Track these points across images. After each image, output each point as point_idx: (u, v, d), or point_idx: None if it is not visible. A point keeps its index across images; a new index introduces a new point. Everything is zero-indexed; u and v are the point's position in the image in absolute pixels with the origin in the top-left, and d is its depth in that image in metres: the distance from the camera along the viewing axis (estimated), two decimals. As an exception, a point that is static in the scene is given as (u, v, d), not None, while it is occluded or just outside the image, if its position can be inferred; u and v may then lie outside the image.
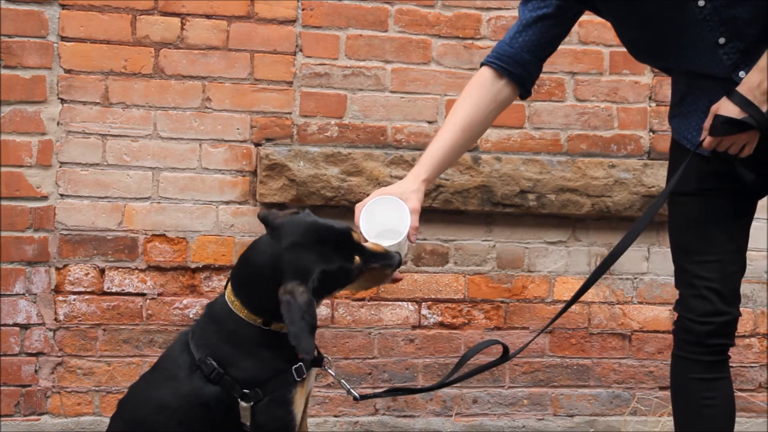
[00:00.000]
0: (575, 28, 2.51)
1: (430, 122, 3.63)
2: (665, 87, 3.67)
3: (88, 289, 3.42)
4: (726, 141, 2.21)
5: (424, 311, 3.65)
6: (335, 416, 3.60)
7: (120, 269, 3.44)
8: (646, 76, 3.74)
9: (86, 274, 3.42)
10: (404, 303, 3.63)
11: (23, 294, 3.38)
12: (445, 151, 2.35)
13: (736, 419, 2.50)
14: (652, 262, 3.77)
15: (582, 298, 3.48)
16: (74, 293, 3.41)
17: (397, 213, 2.21)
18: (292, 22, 3.53)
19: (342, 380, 2.30)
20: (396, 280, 2.22)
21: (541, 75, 2.47)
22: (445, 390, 3.60)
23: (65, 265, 3.41)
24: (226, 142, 3.50)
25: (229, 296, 2.11)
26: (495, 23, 3.65)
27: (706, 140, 2.23)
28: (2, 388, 3.37)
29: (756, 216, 2.46)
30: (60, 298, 3.41)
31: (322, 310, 3.55)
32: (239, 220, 3.51)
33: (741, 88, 2.17)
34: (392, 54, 3.60)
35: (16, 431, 3.39)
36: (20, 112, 3.35)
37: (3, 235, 3.35)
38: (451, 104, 3.57)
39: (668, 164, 2.50)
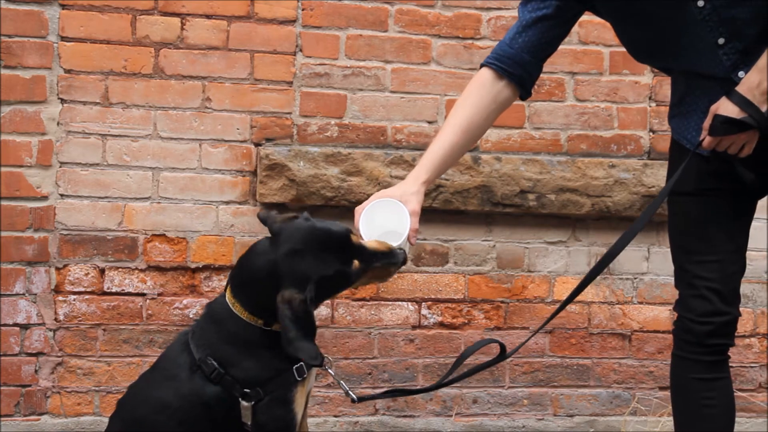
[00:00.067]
0: (575, 28, 2.51)
1: (430, 122, 3.63)
2: (665, 87, 3.67)
3: (88, 289, 3.42)
4: (725, 141, 2.21)
5: (424, 311, 3.65)
6: (335, 416, 3.60)
7: (120, 269, 3.44)
8: (646, 76, 3.74)
9: (86, 274, 3.42)
10: (404, 303, 3.63)
11: (23, 294, 3.38)
12: (445, 153, 2.34)
13: (736, 419, 2.50)
14: (652, 262, 3.77)
15: (582, 298, 3.50)
16: (74, 293, 3.41)
17: (396, 215, 2.21)
18: (292, 22, 3.53)
19: (341, 381, 2.30)
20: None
21: (541, 75, 2.47)
22: (445, 390, 3.60)
23: (65, 265, 3.41)
24: (226, 142, 3.50)
25: (230, 298, 2.12)
26: (495, 23, 3.65)
27: (706, 140, 2.23)
28: (2, 388, 3.37)
29: (756, 216, 2.46)
30: (60, 298, 3.41)
31: (322, 311, 3.55)
32: (239, 220, 3.51)
33: (740, 88, 2.17)
34: (392, 54, 3.60)
35: (16, 431, 3.39)
36: (20, 112, 3.35)
37: (3, 235, 3.35)
38: (451, 104, 3.58)
39: (668, 164, 2.50)
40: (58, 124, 3.39)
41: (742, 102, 2.15)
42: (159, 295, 3.47)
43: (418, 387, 3.55)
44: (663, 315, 3.77)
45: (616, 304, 3.76)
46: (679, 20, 2.22)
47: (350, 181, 3.49)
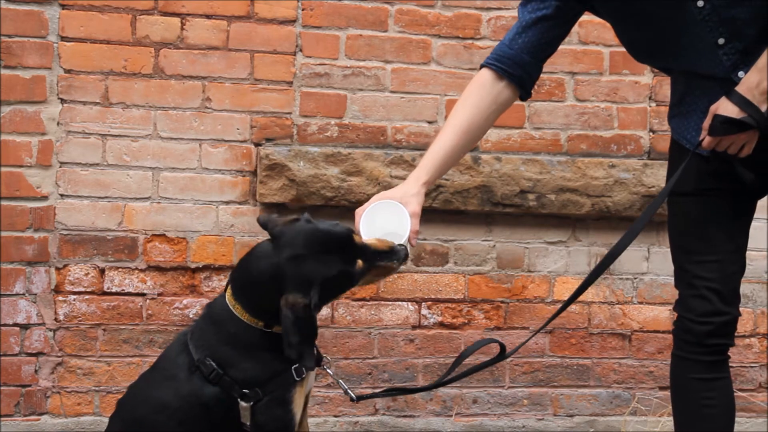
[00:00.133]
0: (575, 28, 2.51)
1: (430, 122, 3.63)
2: (665, 87, 3.67)
3: (88, 289, 3.43)
4: (725, 141, 2.21)
5: (424, 311, 3.65)
6: (335, 416, 3.60)
7: (120, 269, 3.44)
8: (646, 76, 3.74)
9: (86, 274, 3.42)
10: (404, 303, 3.63)
11: (23, 294, 3.38)
12: (445, 154, 2.34)
13: (736, 419, 2.49)
14: (652, 262, 3.77)
15: (582, 298, 3.49)
16: (74, 293, 3.41)
17: (397, 217, 2.21)
18: (292, 22, 3.53)
19: (340, 381, 2.30)
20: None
21: (541, 75, 2.47)
22: (445, 390, 3.61)
23: (65, 265, 3.41)
24: (226, 142, 3.50)
25: (230, 299, 2.11)
26: (495, 23, 3.65)
27: (706, 140, 2.23)
28: (2, 388, 3.37)
29: (756, 216, 2.46)
30: (60, 298, 3.41)
31: (322, 311, 3.53)
32: (239, 220, 3.51)
33: (740, 88, 2.17)
34: (392, 54, 3.60)
35: (16, 431, 3.39)
36: (20, 112, 3.35)
37: (3, 235, 3.35)
38: (451, 104, 3.59)
39: (668, 164, 2.50)
40: (58, 124, 3.39)
41: (742, 102, 2.15)
42: (159, 295, 3.47)
43: (417, 386, 3.55)
44: (663, 315, 3.77)
45: (616, 304, 3.76)
46: (679, 20, 2.22)
47: (350, 181, 3.49)
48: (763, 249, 3.75)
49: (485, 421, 3.70)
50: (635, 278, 3.77)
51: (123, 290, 3.45)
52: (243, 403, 2.07)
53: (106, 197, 3.43)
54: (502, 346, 2.38)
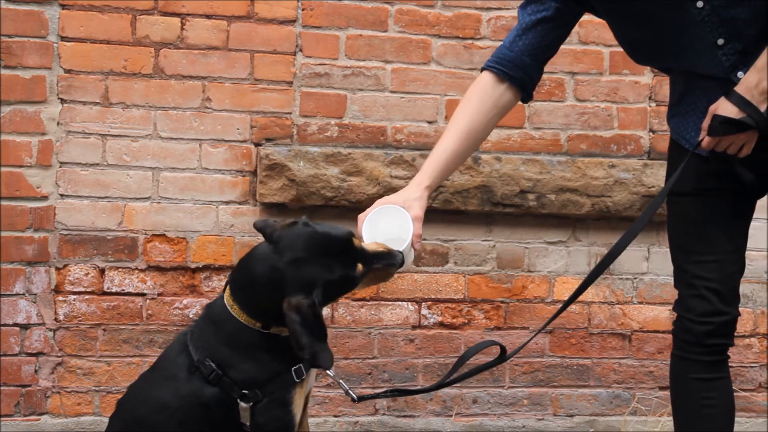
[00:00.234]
0: (575, 28, 2.51)
1: (430, 122, 3.63)
2: (665, 87, 3.67)
3: (88, 289, 3.43)
4: (724, 141, 2.21)
5: (424, 311, 3.65)
6: (335, 416, 3.60)
7: (120, 269, 3.44)
8: (646, 76, 3.74)
9: (86, 274, 3.42)
10: (404, 303, 3.63)
11: (23, 294, 3.38)
12: (447, 158, 2.34)
13: (736, 419, 2.50)
14: (652, 262, 3.77)
15: (582, 298, 3.49)
16: (74, 293, 3.42)
17: (399, 221, 2.21)
18: (292, 22, 3.53)
19: (340, 381, 2.30)
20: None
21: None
22: (445, 390, 3.61)
23: (65, 265, 3.41)
24: (226, 142, 3.50)
25: (228, 300, 2.11)
26: (495, 23, 3.65)
27: (705, 140, 2.23)
28: (2, 388, 3.37)
29: (756, 216, 2.46)
30: (60, 298, 3.41)
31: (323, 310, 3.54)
32: (239, 220, 3.51)
33: (739, 88, 2.17)
34: (392, 54, 3.60)
35: (16, 431, 3.39)
36: (20, 112, 3.36)
37: (3, 235, 3.35)
38: (451, 104, 3.60)
39: (667, 164, 2.50)
40: (58, 124, 3.39)
41: (741, 102, 2.15)
42: (159, 295, 3.47)
43: (418, 387, 3.55)
44: (663, 315, 3.77)
45: (616, 304, 3.76)
46: (678, 21, 2.22)
47: (350, 181, 3.49)
48: (763, 249, 3.75)
49: (485, 421, 3.70)
50: (635, 278, 3.77)
51: (123, 290, 3.45)
52: (243, 404, 2.07)
53: (106, 197, 3.43)
54: (503, 348, 2.38)
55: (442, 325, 3.66)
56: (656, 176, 3.63)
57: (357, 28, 3.58)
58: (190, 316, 3.47)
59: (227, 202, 3.51)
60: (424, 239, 3.60)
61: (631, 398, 3.78)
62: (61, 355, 3.42)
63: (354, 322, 3.61)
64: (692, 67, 2.29)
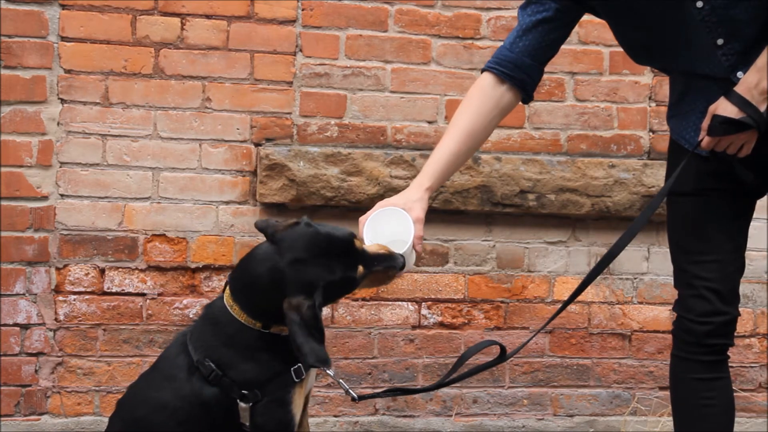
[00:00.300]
0: (575, 28, 2.51)
1: (430, 122, 3.63)
2: (665, 87, 3.66)
3: (88, 289, 3.43)
4: (724, 141, 2.21)
5: (424, 311, 3.65)
6: (335, 416, 3.60)
7: (120, 269, 3.45)
8: (646, 76, 3.74)
9: (86, 274, 3.42)
10: (404, 303, 3.63)
11: (23, 294, 3.38)
12: (448, 159, 2.34)
13: (736, 419, 2.50)
14: (652, 262, 3.77)
15: (582, 298, 3.50)
16: (74, 293, 3.42)
17: (400, 223, 2.20)
18: (292, 22, 3.53)
19: (340, 380, 2.30)
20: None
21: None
22: (445, 390, 3.61)
23: (65, 265, 3.41)
24: (226, 142, 3.50)
25: (228, 300, 2.11)
26: (495, 23, 3.65)
27: (705, 140, 2.23)
28: (2, 388, 3.37)
29: (756, 216, 2.46)
30: (60, 298, 3.41)
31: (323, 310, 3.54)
32: (239, 220, 3.51)
33: (739, 88, 2.17)
34: (392, 54, 3.60)
35: (16, 431, 3.39)
36: (20, 112, 3.36)
37: (3, 235, 3.35)
38: (451, 104, 3.60)
39: (666, 164, 2.50)
40: (58, 124, 3.39)
41: (741, 102, 2.15)
42: (159, 295, 3.47)
43: (418, 387, 3.55)
44: (663, 315, 3.77)
45: (616, 304, 3.76)
46: (678, 21, 2.22)
47: (350, 181, 3.49)
48: (763, 249, 3.76)
49: (485, 421, 3.70)
50: (635, 278, 3.77)
51: (123, 290, 3.45)
52: (242, 404, 2.07)
53: (106, 197, 3.43)
54: (503, 348, 2.38)
55: (442, 325, 3.66)
56: (656, 176, 3.63)
57: (357, 28, 3.58)
58: (190, 316, 3.47)
59: (227, 202, 3.51)
60: (424, 239, 3.59)
61: (631, 398, 3.78)
62: (61, 355, 3.42)
63: (354, 322, 3.61)
64: (692, 67, 2.29)
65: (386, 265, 2.12)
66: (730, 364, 2.44)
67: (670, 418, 2.56)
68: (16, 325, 3.38)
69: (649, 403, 3.78)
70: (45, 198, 3.39)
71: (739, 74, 2.20)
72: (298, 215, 3.44)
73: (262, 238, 3.43)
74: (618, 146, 3.73)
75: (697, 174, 2.33)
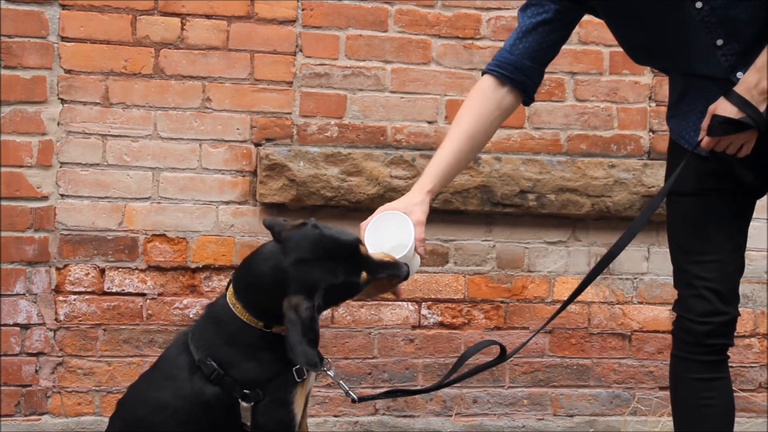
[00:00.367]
0: (575, 28, 2.51)
1: (430, 122, 3.63)
2: (665, 87, 3.66)
3: (89, 289, 3.43)
4: (724, 141, 2.21)
5: (424, 311, 3.65)
6: (335, 416, 3.60)
7: (120, 269, 3.45)
8: (646, 76, 3.74)
9: (86, 274, 3.42)
10: (404, 303, 3.63)
11: (23, 294, 3.39)
12: (449, 162, 2.34)
13: (736, 419, 2.50)
14: (652, 262, 3.77)
15: (582, 298, 3.50)
16: (74, 293, 3.42)
17: (401, 227, 2.20)
18: (292, 22, 3.54)
19: (340, 381, 2.30)
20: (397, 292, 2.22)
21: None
22: (445, 390, 3.61)
23: (65, 265, 3.41)
24: (226, 142, 3.50)
25: (231, 299, 2.11)
26: (495, 23, 3.65)
27: (704, 140, 2.23)
28: (2, 388, 3.37)
29: (756, 216, 2.46)
30: (60, 298, 3.41)
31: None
32: (239, 220, 3.51)
33: (738, 88, 2.17)
34: (392, 54, 3.60)
35: (17, 431, 3.39)
36: (20, 112, 3.36)
37: (3, 235, 3.35)
38: (451, 104, 3.60)
39: (666, 164, 2.50)
40: (58, 124, 3.39)
41: (741, 102, 2.15)
42: (159, 295, 3.47)
43: (418, 387, 3.55)
44: (663, 315, 3.77)
45: (616, 304, 3.77)
46: (677, 21, 2.22)
47: (350, 181, 3.49)
48: (763, 249, 3.76)
49: (485, 421, 3.70)
50: (635, 278, 3.77)
51: (123, 290, 3.45)
52: (244, 404, 2.07)
53: (106, 197, 3.43)
54: (503, 348, 2.38)
55: (442, 325, 3.66)
56: (656, 176, 3.63)
57: (357, 28, 3.58)
58: (190, 316, 3.47)
59: (227, 202, 3.51)
60: (425, 239, 3.59)
61: (631, 398, 3.78)
62: (62, 355, 3.42)
63: (354, 322, 3.61)
64: (691, 67, 2.29)
65: (390, 273, 2.12)
66: (730, 364, 2.44)
67: (670, 418, 2.56)
68: (16, 325, 3.38)
69: (649, 403, 3.78)
70: (45, 198, 3.39)
71: (739, 74, 2.20)
72: (298, 215, 3.46)
73: (262, 239, 3.44)
74: (618, 146, 3.73)
75: (697, 174, 2.33)
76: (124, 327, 3.46)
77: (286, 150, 3.47)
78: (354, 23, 3.57)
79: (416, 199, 2.27)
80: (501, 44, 2.44)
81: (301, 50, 3.55)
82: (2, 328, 3.37)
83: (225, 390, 2.07)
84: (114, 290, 3.44)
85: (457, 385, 3.45)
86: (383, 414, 3.64)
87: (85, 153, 3.41)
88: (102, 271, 3.43)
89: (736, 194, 2.34)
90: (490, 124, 2.37)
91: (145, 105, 3.45)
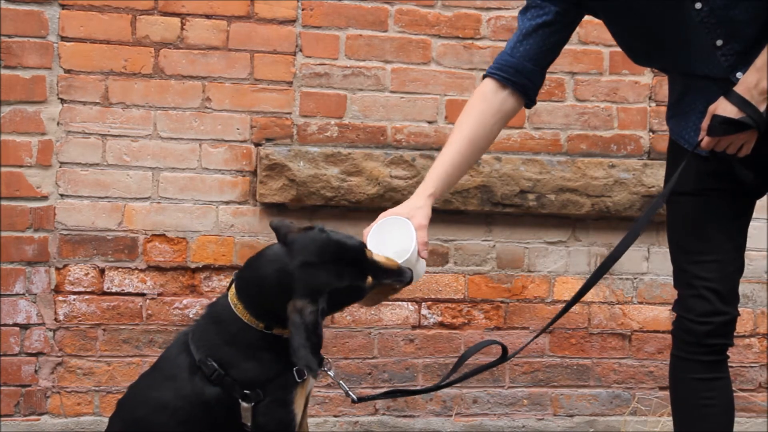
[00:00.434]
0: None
1: (430, 122, 3.63)
2: (665, 87, 3.63)
3: (88, 289, 3.43)
4: (724, 141, 2.21)
5: (424, 311, 3.65)
6: (335, 416, 3.60)
7: (120, 269, 3.44)
8: (646, 76, 3.74)
9: (86, 274, 3.42)
10: (404, 303, 3.63)
11: (23, 294, 3.38)
12: (451, 165, 2.33)
13: (736, 419, 2.50)
14: (652, 262, 3.77)
15: (582, 298, 3.49)
16: (74, 293, 3.42)
17: (403, 232, 2.20)
18: (292, 22, 3.53)
19: (341, 381, 2.30)
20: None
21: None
22: (445, 390, 3.60)
23: (65, 265, 3.41)
24: (226, 142, 3.50)
25: (232, 299, 2.11)
26: (495, 23, 3.65)
27: (705, 140, 2.23)
28: (2, 388, 3.37)
29: (756, 216, 2.46)
30: (60, 298, 3.41)
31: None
32: (239, 220, 3.51)
33: (738, 88, 2.17)
34: (392, 54, 3.60)
35: (16, 431, 3.39)
36: (20, 112, 3.36)
37: (3, 235, 3.35)
38: (451, 104, 3.60)
39: (666, 164, 2.50)
40: (58, 124, 3.39)
41: (741, 102, 2.15)
42: (159, 295, 3.47)
43: (418, 387, 3.55)
44: (663, 315, 3.77)
45: (616, 304, 3.77)
46: (677, 22, 2.22)
47: (350, 181, 3.49)
48: (763, 249, 3.76)
49: (485, 421, 3.70)
50: (635, 278, 3.77)
51: (123, 290, 3.45)
52: (244, 404, 2.07)
53: (106, 197, 3.43)
54: (504, 348, 2.38)
55: (442, 325, 3.66)
56: (656, 176, 3.63)
57: (357, 28, 3.58)
58: (190, 316, 3.47)
59: (227, 202, 3.51)
60: (424, 239, 3.59)
61: (631, 398, 3.78)
62: (61, 355, 3.42)
63: (354, 322, 3.61)
64: (691, 68, 2.29)
65: (394, 279, 2.12)
66: (729, 364, 2.44)
67: (670, 418, 2.56)
68: (15, 325, 3.38)
69: (649, 403, 3.78)
70: (45, 198, 3.39)
71: (739, 74, 2.20)
72: (298, 215, 3.47)
73: (262, 239, 3.44)
74: (618, 146, 3.73)
75: (697, 174, 2.32)
76: (123, 327, 3.46)
77: (286, 150, 3.47)
78: (354, 23, 3.57)
79: (418, 203, 2.26)
80: (501, 44, 2.44)
81: (301, 50, 3.55)
82: (2, 328, 3.37)
83: (225, 390, 2.07)
84: (114, 290, 3.44)
85: (457, 385, 3.45)
86: (383, 414, 3.64)
87: (85, 153, 3.41)
88: (102, 271, 3.43)
89: (736, 194, 2.34)
90: (491, 127, 2.37)
91: (145, 105, 3.45)
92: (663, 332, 3.76)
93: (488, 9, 3.65)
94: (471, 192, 3.57)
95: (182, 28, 3.46)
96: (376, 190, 3.50)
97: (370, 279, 2.07)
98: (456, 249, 3.66)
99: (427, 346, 3.65)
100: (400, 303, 3.62)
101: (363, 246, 2.09)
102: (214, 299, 2.25)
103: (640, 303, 3.78)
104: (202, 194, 3.49)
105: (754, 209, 2.42)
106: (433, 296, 3.65)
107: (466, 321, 3.67)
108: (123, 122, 3.43)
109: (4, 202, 3.35)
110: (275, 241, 2.11)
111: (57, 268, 3.40)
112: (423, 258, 2.21)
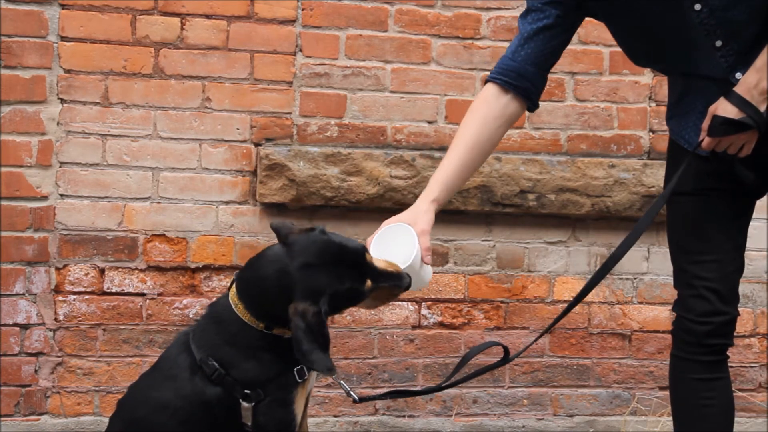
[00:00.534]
0: (575, 29, 2.52)
1: (429, 122, 3.63)
2: (665, 87, 3.62)
3: (88, 289, 3.43)
4: (724, 141, 2.21)
5: (424, 311, 3.65)
6: (335, 416, 3.60)
7: (120, 269, 3.44)
8: (646, 76, 3.74)
9: (86, 274, 3.42)
10: (404, 303, 3.63)
11: (23, 294, 3.38)
12: (454, 170, 2.33)
13: (736, 419, 2.50)
14: (652, 262, 3.77)
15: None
16: (74, 293, 3.42)
17: (406, 239, 2.20)
18: (292, 22, 3.53)
19: (342, 382, 2.30)
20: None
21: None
22: (445, 390, 3.60)
23: (65, 265, 3.41)
24: (226, 142, 3.50)
25: (233, 298, 2.11)
26: (495, 23, 3.65)
27: (705, 141, 2.23)
28: (2, 388, 3.37)
29: (755, 216, 2.46)
30: (60, 298, 3.41)
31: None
32: (239, 220, 3.51)
33: (738, 89, 2.17)
34: (392, 54, 3.60)
35: (16, 431, 3.39)
36: (20, 112, 3.36)
37: (3, 235, 3.35)
38: (451, 104, 3.60)
39: (666, 164, 2.50)
40: (58, 124, 3.39)
41: (741, 102, 2.15)
42: (159, 295, 3.47)
43: (418, 387, 3.56)
44: (663, 315, 3.77)
45: (616, 304, 3.77)
46: (677, 23, 2.22)
47: (350, 181, 3.49)
48: (762, 249, 3.76)
49: (485, 421, 3.70)
50: (635, 278, 3.77)
51: (123, 290, 3.45)
52: (245, 404, 2.07)
53: (106, 197, 3.43)
54: (506, 350, 2.38)
55: (442, 325, 3.66)
56: (656, 176, 3.63)
57: (357, 28, 3.58)
58: (190, 316, 3.47)
59: (227, 202, 3.51)
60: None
61: (631, 398, 3.78)
62: (61, 355, 3.42)
63: (354, 322, 3.61)
64: (691, 68, 2.29)
65: (393, 283, 2.12)
66: (729, 364, 2.44)
67: (670, 418, 2.56)
68: (15, 325, 3.38)
69: (649, 403, 3.78)
70: (45, 198, 3.39)
71: (738, 75, 2.20)
72: (298, 215, 3.47)
73: (262, 239, 3.44)
74: (618, 146, 3.73)
75: (697, 174, 2.33)
76: (123, 327, 3.46)
77: (286, 150, 3.47)
78: (354, 23, 3.57)
79: (421, 209, 2.27)
80: (501, 44, 2.45)
81: (301, 50, 3.55)
82: (2, 328, 3.37)
83: (226, 390, 2.07)
84: (114, 290, 3.44)
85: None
86: (383, 414, 3.64)
87: (85, 153, 3.41)
88: (102, 271, 3.43)
89: (736, 194, 2.34)
90: (494, 132, 2.36)
91: (145, 105, 3.45)
92: (663, 332, 3.76)
93: (488, 9, 3.65)
94: (471, 192, 3.57)
95: (182, 28, 3.46)
96: (376, 190, 3.50)
97: (369, 282, 2.06)
98: (456, 249, 3.66)
99: (427, 346, 3.65)
100: (400, 303, 3.62)
101: (363, 249, 2.09)
102: (214, 299, 2.25)
103: (640, 303, 3.78)
104: (202, 194, 3.49)
105: (754, 209, 2.43)
106: (433, 296, 3.65)
107: (466, 321, 3.67)
108: (123, 122, 3.43)
109: (4, 202, 3.35)
110: (275, 241, 2.11)
111: (57, 268, 3.40)
112: (427, 263, 2.21)
